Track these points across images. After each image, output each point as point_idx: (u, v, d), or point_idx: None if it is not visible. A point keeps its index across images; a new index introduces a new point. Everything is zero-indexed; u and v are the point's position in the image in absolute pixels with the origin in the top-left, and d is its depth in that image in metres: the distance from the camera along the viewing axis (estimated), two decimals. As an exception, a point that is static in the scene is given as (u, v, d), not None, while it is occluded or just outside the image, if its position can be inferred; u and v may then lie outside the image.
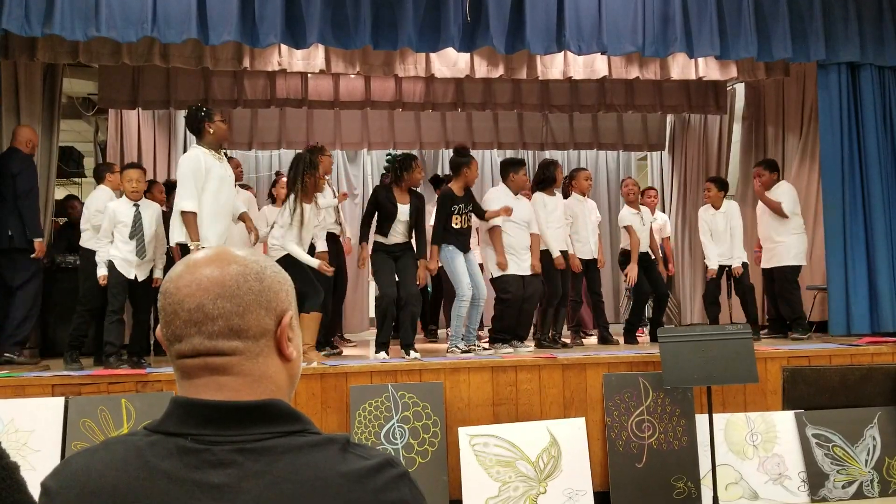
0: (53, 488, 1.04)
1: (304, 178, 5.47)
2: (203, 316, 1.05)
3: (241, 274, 1.08)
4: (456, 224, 6.13)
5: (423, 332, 7.96)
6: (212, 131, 5.25)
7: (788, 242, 6.85)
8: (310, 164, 5.52)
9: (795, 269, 6.88)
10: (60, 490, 1.03)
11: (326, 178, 6.52)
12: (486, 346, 6.31)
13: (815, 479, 5.01)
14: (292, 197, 5.45)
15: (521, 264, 6.26)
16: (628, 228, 7.04)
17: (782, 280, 6.85)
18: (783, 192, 6.96)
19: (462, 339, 6.09)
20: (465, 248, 6.20)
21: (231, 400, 1.04)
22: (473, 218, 6.35)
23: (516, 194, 6.42)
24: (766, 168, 7.10)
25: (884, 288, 6.69)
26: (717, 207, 7.09)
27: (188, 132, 9.11)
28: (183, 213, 5.10)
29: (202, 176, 5.13)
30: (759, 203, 7.14)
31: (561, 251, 6.53)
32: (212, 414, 1.03)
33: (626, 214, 7.11)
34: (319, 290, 5.37)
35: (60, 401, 4.58)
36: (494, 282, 6.31)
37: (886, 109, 6.93)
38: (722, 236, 7.01)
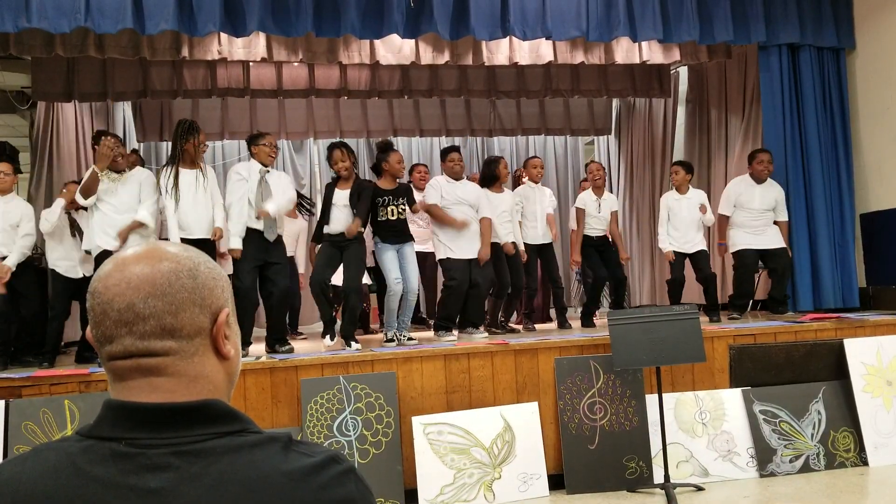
0: (-20, 500, 0.99)
1: (182, 145, 5.46)
2: (134, 316, 1.01)
3: (173, 271, 1.04)
4: (382, 217, 6.04)
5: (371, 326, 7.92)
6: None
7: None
8: (189, 130, 5.49)
9: None
10: (-12, 501, 0.98)
11: (269, 168, 5.84)
12: (413, 336, 6.13)
13: (763, 454, 5.11)
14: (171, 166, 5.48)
15: (467, 248, 6.20)
16: (578, 211, 7.07)
17: (786, 259, 6.77)
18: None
19: (391, 329, 5.98)
20: (398, 241, 6.06)
21: (166, 402, 1.00)
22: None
23: (457, 180, 6.36)
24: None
25: (825, 265, 6.85)
26: (682, 192, 6.88)
27: (127, 124, 8.93)
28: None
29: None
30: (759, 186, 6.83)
31: (510, 243, 6.59)
32: (146, 416, 0.99)
33: (586, 198, 7.12)
34: None
35: (0, 404, 4.44)
36: (441, 265, 6.30)
37: (825, 89, 7.09)
38: (685, 223, 6.79)
